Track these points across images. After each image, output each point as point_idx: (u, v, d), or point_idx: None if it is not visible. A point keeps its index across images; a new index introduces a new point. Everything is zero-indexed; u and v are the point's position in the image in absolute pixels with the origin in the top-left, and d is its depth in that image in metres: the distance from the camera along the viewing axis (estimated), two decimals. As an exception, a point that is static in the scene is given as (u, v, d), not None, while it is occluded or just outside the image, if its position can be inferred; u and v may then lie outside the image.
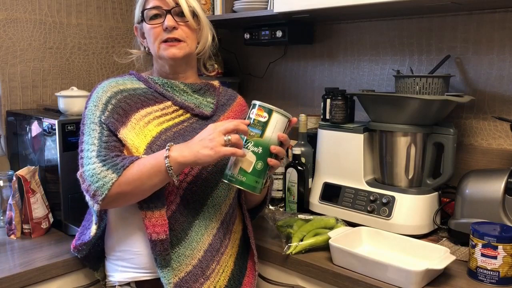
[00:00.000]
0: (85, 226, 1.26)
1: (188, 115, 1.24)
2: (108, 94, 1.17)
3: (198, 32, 1.26)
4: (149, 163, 1.05)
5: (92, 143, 1.11)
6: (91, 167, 1.07)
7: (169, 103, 1.23)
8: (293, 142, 1.66)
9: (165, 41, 1.20)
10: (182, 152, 1.04)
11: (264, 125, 1.07)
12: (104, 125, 1.13)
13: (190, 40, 1.23)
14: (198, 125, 1.23)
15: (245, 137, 1.06)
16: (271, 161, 1.07)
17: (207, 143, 1.02)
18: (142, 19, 1.23)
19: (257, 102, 1.09)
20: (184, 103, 1.23)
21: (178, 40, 1.20)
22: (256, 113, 1.08)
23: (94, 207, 1.10)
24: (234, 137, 1.03)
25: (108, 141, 1.11)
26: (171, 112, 1.21)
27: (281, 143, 1.09)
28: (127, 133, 1.12)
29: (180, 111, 1.23)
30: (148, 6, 1.21)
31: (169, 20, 1.19)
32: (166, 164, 1.03)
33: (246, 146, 1.06)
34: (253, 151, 1.06)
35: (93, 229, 1.18)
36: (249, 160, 1.06)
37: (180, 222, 1.14)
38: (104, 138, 1.11)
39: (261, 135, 1.07)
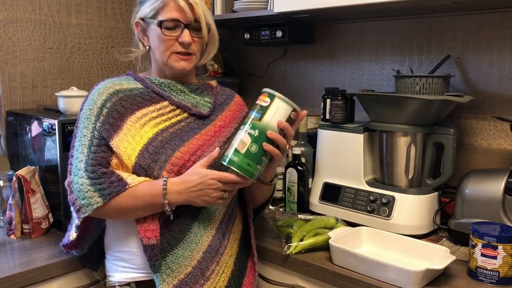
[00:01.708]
0: (68, 228, 1.27)
1: (185, 114, 1.24)
2: (104, 97, 1.16)
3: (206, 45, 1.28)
4: (145, 198, 1.09)
5: (81, 151, 1.12)
6: (79, 181, 1.09)
7: (166, 103, 1.22)
8: (293, 142, 1.66)
9: (178, 53, 1.20)
10: (181, 196, 1.09)
11: (264, 110, 1.07)
12: (96, 132, 1.13)
13: (199, 53, 1.25)
14: (195, 125, 1.23)
15: (246, 120, 1.08)
16: (267, 145, 1.06)
17: (205, 197, 1.09)
18: (159, 26, 1.18)
19: (265, 89, 1.09)
20: (181, 102, 1.23)
21: (189, 54, 1.21)
22: (260, 98, 1.09)
23: (75, 220, 1.15)
24: (229, 195, 1.11)
25: (97, 152, 1.11)
26: (168, 112, 1.21)
27: (282, 132, 1.08)
28: (121, 140, 1.12)
29: (177, 111, 1.23)
30: (166, 17, 1.18)
31: (186, 36, 1.18)
32: (166, 209, 1.09)
33: (243, 128, 1.08)
34: (249, 133, 1.07)
35: (73, 234, 1.21)
36: (244, 141, 1.06)
37: (178, 224, 1.14)
38: (93, 148, 1.12)
39: (260, 119, 1.07)
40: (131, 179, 1.10)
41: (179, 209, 1.14)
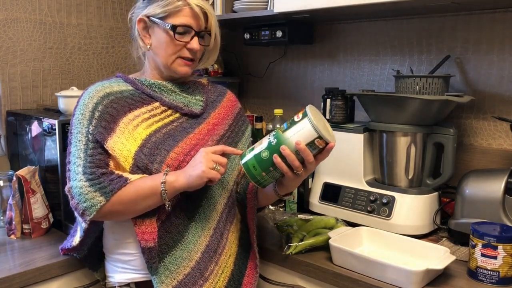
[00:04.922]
0: (72, 233, 1.27)
1: (177, 114, 1.23)
2: (95, 101, 1.16)
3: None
4: (146, 186, 1.08)
5: (78, 156, 1.11)
6: (78, 185, 1.08)
7: (157, 103, 1.22)
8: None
9: (183, 58, 1.21)
10: (178, 177, 1.08)
11: (292, 124, 1.06)
12: (90, 136, 1.12)
13: (198, 59, 1.26)
14: (188, 124, 1.22)
15: (279, 126, 1.07)
16: (276, 158, 1.05)
17: (198, 165, 1.07)
18: (172, 30, 1.17)
19: (308, 105, 1.07)
20: (173, 103, 1.23)
21: (193, 60, 1.23)
22: (299, 111, 1.08)
23: (82, 224, 1.14)
24: (222, 169, 1.09)
25: (93, 155, 1.11)
26: (159, 113, 1.21)
27: (298, 154, 1.04)
28: (115, 142, 1.11)
29: (169, 111, 1.23)
30: (180, 23, 1.17)
31: (196, 44, 1.19)
32: (161, 189, 1.06)
33: (271, 132, 1.09)
34: (269, 139, 1.07)
35: (76, 239, 1.21)
36: (261, 144, 1.08)
37: (176, 225, 1.14)
38: (90, 151, 1.11)
39: (285, 131, 1.07)
40: (132, 176, 1.10)
41: (176, 208, 1.14)
